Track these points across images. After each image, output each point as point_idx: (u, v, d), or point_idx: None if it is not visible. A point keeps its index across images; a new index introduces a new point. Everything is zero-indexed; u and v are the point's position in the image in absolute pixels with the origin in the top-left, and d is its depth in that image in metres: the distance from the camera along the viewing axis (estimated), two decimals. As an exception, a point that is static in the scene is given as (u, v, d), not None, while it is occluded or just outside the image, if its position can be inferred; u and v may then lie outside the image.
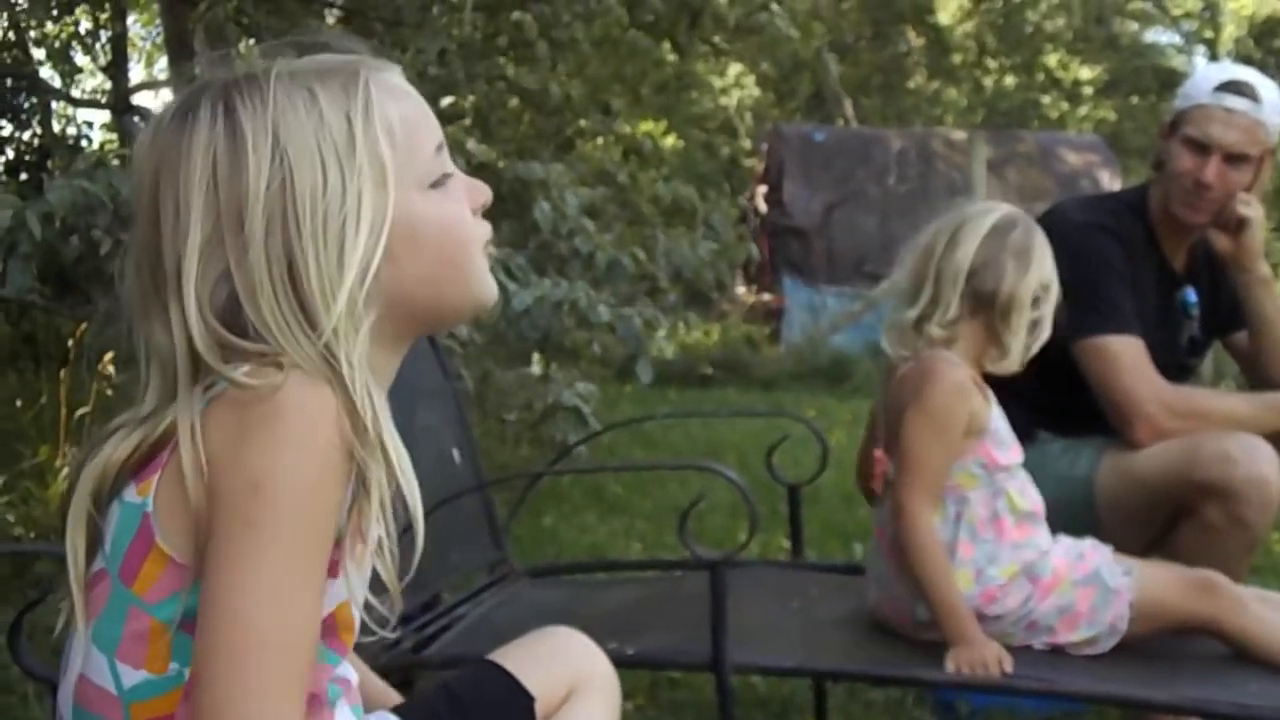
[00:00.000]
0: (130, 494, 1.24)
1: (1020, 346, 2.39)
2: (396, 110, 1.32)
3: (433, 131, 1.37)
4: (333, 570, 1.23)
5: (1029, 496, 2.42)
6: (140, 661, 1.21)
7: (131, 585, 1.21)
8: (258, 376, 1.18)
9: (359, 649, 1.39)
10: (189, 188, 1.25)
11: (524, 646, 1.64)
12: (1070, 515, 2.71)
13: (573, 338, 4.91)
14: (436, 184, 1.35)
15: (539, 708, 1.57)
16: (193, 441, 1.18)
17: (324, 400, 1.20)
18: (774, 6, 6.56)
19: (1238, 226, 2.93)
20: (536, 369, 5.53)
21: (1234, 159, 2.88)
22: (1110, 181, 13.07)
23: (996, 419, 2.40)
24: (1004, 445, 2.40)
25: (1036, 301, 2.39)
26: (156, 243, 1.26)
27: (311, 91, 1.28)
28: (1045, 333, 2.42)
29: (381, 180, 1.29)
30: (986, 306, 2.38)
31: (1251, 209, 2.91)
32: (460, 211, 1.38)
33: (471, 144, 5.92)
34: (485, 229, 1.42)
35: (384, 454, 1.25)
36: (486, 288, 1.42)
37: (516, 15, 6.27)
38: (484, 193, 1.42)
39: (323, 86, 1.29)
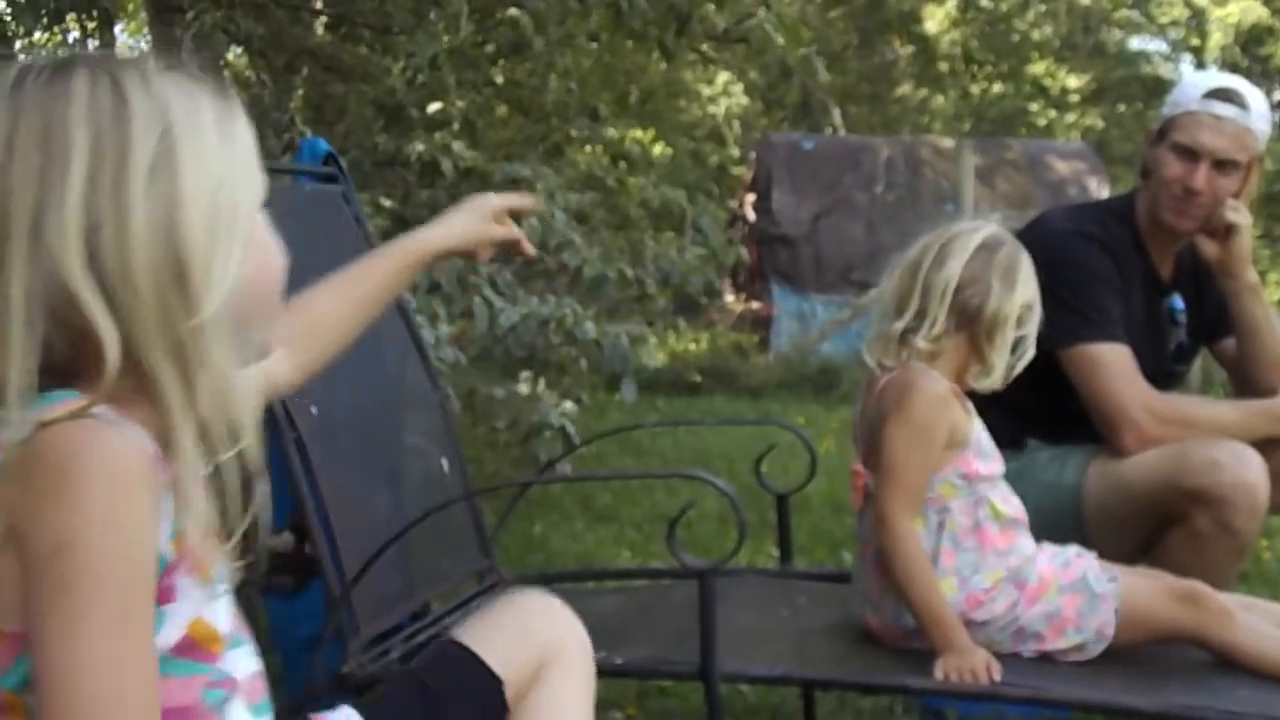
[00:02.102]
0: None
1: (1003, 364, 2.40)
2: (249, 139, 1.32)
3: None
4: (167, 597, 1.21)
5: (1012, 504, 2.42)
6: None
7: None
8: (58, 418, 1.15)
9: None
10: (69, 138, 1.19)
11: (491, 618, 1.62)
12: (1058, 522, 2.71)
13: (559, 354, 4.90)
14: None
15: (509, 690, 1.56)
16: None
17: (122, 443, 1.16)
18: (761, 13, 6.56)
19: (1226, 233, 2.93)
20: (524, 387, 5.52)
21: (1222, 165, 2.89)
22: (1098, 189, 13.09)
23: (978, 431, 2.41)
24: (986, 456, 2.40)
25: (1021, 320, 2.40)
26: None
27: (188, 87, 1.27)
28: (1029, 352, 2.43)
29: (250, 187, 1.30)
30: (972, 322, 2.38)
31: (1239, 215, 2.92)
32: (279, 248, 1.37)
33: (459, 147, 5.91)
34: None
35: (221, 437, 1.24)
36: (271, 339, 1.41)
37: (513, 13, 6.27)
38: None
39: (200, 88, 1.28)
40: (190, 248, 1.21)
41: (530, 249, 2.32)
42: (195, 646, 1.26)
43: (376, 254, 2.14)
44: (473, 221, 2.17)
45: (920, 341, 2.39)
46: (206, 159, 1.24)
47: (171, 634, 1.23)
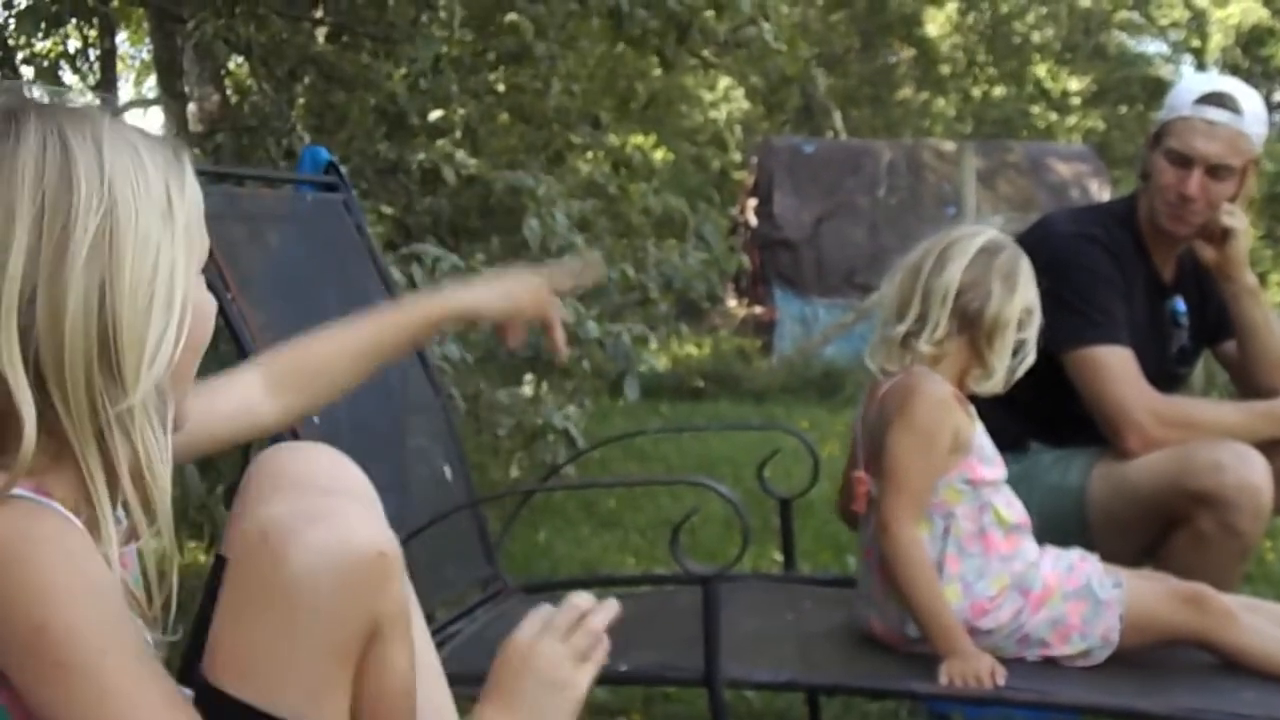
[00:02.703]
0: None
1: (1004, 367, 2.41)
2: (196, 195, 1.31)
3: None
4: None
5: (1015, 509, 2.42)
6: None
7: None
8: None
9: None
10: (14, 196, 1.18)
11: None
12: (1061, 525, 2.71)
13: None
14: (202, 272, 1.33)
15: None
16: None
17: (57, 518, 1.18)
18: (762, 20, 6.56)
19: (1222, 237, 2.94)
20: (528, 390, 5.53)
21: (1216, 170, 2.89)
22: (1099, 191, 13.08)
23: (980, 435, 2.41)
24: (989, 461, 2.41)
25: (1021, 324, 2.40)
26: None
27: (137, 149, 1.25)
28: (1029, 356, 2.43)
29: (190, 257, 1.28)
30: (973, 326, 2.39)
31: (1235, 219, 2.92)
32: (214, 309, 1.36)
33: (461, 155, 5.91)
34: None
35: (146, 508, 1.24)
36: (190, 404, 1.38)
37: (513, 18, 6.28)
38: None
39: (148, 149, 1.26)
40: (123, 331, 1.20)
41: (563, 347, 2.11)
42: None
43: (395, 306, 2.04)
44: (512, 293, 2.02)
45: (922, 346, 2.39)
46: (147, 238, 1.22)
47: None
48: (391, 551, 1.24)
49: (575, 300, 4.86)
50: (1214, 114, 2.88)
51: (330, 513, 1.23)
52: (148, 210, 1.23)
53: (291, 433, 2.33)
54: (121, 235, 1.20)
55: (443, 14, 5.45)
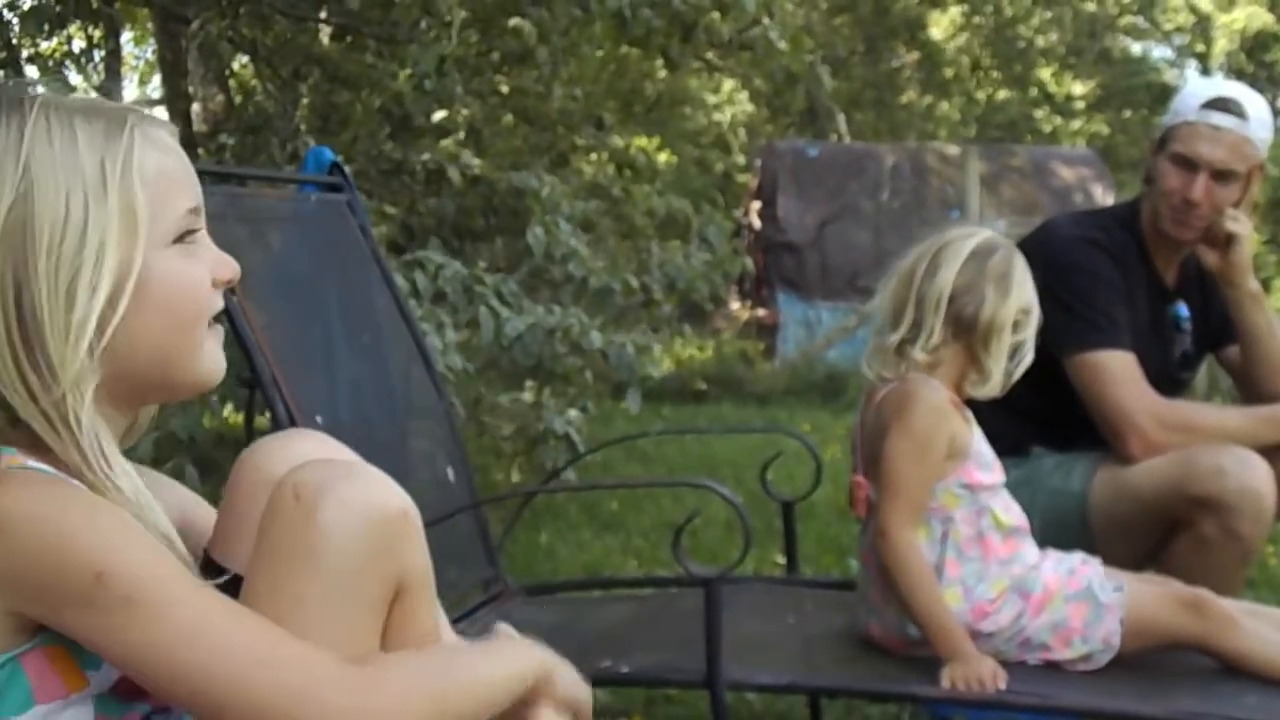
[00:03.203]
0: None
1: (1000, 371, 2.40)
2: (156, 162, 1.29)
3: (191, 192, 1.33)
4: None
5: (1013, 512, 2.42)
6: None
7: None
8: None
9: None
10: None
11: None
12: (1064, 529, 2.71)
13: (565, 364, 4.91)
14: (180, 240, 1.31)
15: None
16: None
17: (62, 487, 1.21)
18: (766, 21, 6.56)
19: (1226, 242, 2.93)
20: (528, 396, 5.53)
21: (1221, 176, 2.88)
22: (1103, 195, 13.07)
23: (978, 440, 2.41)
24: (986, 466, 2.40)
25: (1017, 326, 2.40)
26: None
27: (73, 128, 1.25)
28: (1027, 357, 2.42)
29: (132, 229, 1.26)
30: (967, 331, 2.38)
31: (1239, 224, 2.92)
32: (200, 276, 1.32)
33: (466, 156, 5.92)
34: (219, 301, 1.36)
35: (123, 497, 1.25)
36: (211, 365, 1.36)
37: (514, 22, 6.28)
38: (230, 268, 1.36)
39: (86, 125, 1.26)
40: (43, 314, 1.21)
41: None
42: (133, 689, 1.26)
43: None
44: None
45: (918, 353, 2.38)
46: (68, 219, 1.23)
47: (109, 674, 1.24)
48: (414, 511, 1.28)
49: (580, 312, 4.87)
50: (1219, 119, 2.88)
51: (356, 473, 1.28)
52: (73, 189, 1.23)
53: (290, 421, 2.34)
54: (38, 218, 1.21)
55: (446, 17, 5.45)
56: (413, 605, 1.30)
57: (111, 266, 1.24)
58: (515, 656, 1.40)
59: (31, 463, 1.23)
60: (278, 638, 1.20)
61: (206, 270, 1.33)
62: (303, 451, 1.39)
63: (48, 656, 1.20)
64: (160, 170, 1.29)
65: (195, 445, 4.10)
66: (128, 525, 1.21)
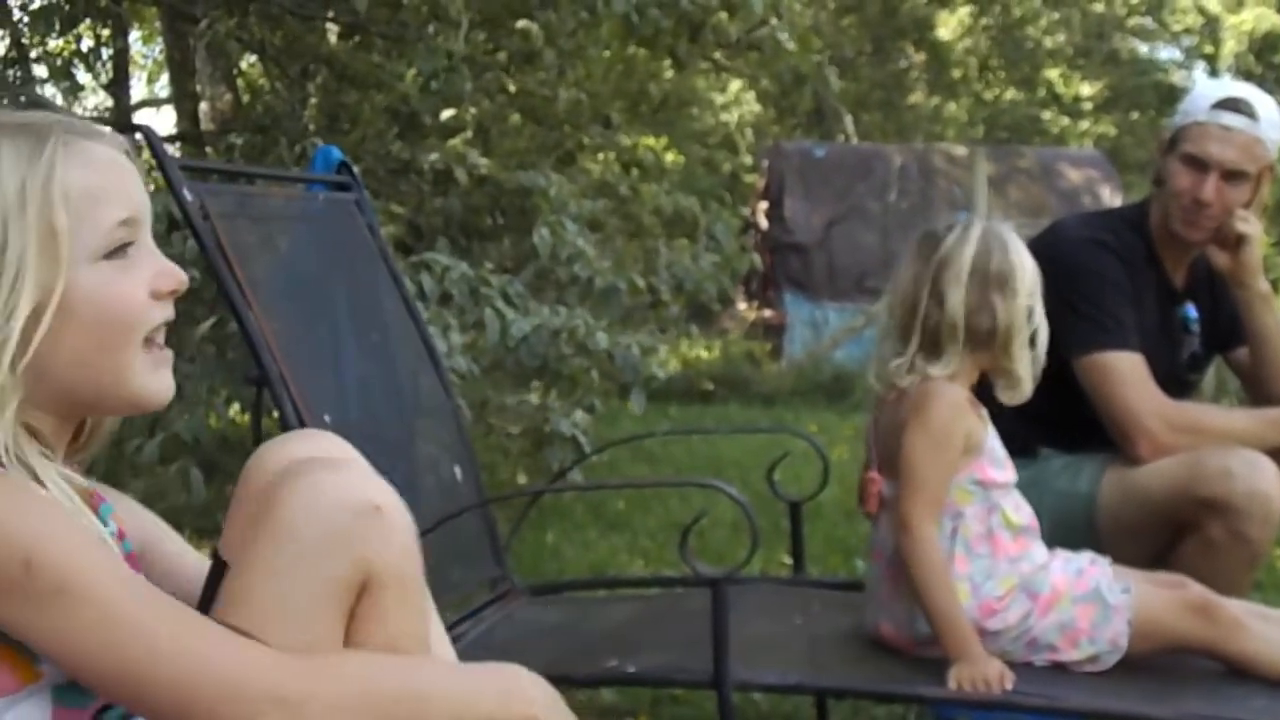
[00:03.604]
0: None
1: (1026, 369, 2.40)
2: (81, 178, 1.28)
3: (123, 205, 1.31)
4: None
5: (1024, 512, 2.43)
6: None
7: None
8: None
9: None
10: None
11: None
12: (1071, 531, 2.71)
13: (570, 365, 4.91)
14: (112, 256, 1.29)
15: None
16: None
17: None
18: (774, 22, 6.56)
19: (1236, 243, 2.93)
20: (534, 397, 5.53)
21: (1232, 176, 2.88)
22: (1111, 197, 13.06)
23: (992, 438, 2.42)
24: (999, 464, 2.41)
25: (1030, 314, 2.40)
26: None
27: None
28: (1042, 334, 2.42)
29: (53, 251, 1.25)
30: (987, 343, 2.38)
31: (1249, 225, 2.91)
32: (130, 291, 1.30)
33: (474, 155, 5.92)
34: (159, 314, 1.33)
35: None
36: (151, 386, 1.34)
37: (522, 24, 6.29)
38: (173, 278, 1.34)
39: (11, 147, 1.26)
40: None
41: None
42: None
43: None
44: None
45: (935, 372, 2.39)
46: None
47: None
48: (390, 509, 1.29)
49: (585, 311, 4.87)
50: (1230, 119, 2.88)
51: (340, 465, 1.30)
52: None
53: (298, 419, 2.34)
54: None
55: (455, 18, 5.45)
56: (384, 605, 1.29)
57: (30, 289, 1.23)
58: (492, 688, 1.35)
59: None
60: (212, 629, 1.21)
61: (142, 283, 1.31)
62: (309, 451, 1.39)
63: None
64: (85, 187, 1.28)
65: (200, 448, 4.10)
66: (57, 514, 1.21)
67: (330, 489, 1.26)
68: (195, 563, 1.53)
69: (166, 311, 1.34)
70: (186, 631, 1.20)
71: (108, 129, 1.35)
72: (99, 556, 1.21)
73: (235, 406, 4.54)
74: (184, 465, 4.10)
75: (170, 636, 1.18)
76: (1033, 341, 2.41)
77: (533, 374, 5.14)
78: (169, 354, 1.36)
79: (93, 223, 1.28)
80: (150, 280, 1.32)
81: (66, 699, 1.23)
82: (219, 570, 1.32)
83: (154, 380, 1.34)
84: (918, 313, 2.41)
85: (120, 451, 4.03)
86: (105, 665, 1.17)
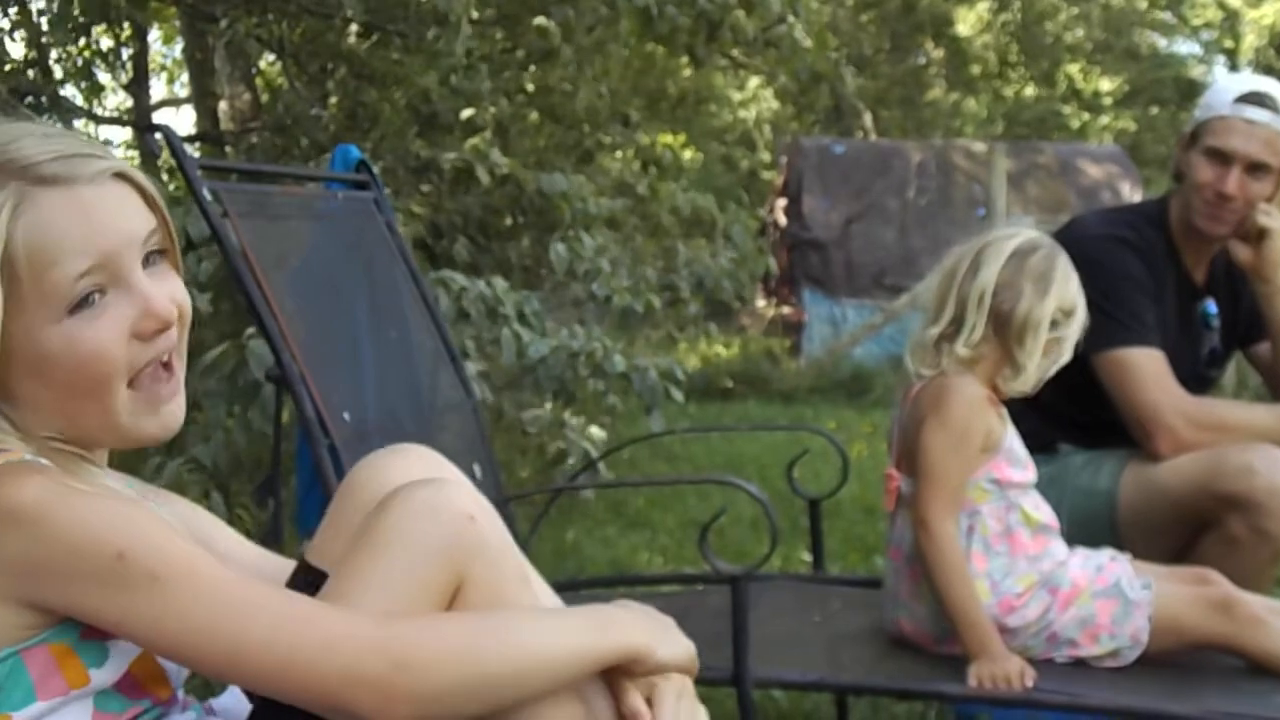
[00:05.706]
0: None
1: (1034, 367, 2.40)
2: (31, 236, 1.23)
3: (84, 255, 1.25)
4: (104, 633, 1.24)
5: (1044, 511, 2.43)
6: None
7: None
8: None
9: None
10: None
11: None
12: (1092, 527, 2.70)
13: (587, 387, 4.92)
14: (77, 310, 1.25)
15: None
16: None
17: (59, 475, 1.24)
18: (791, 19, 6.56)
19: (1258, 237, 2.92)
20: (549, 410, 5.54)
21: (1255, 169, 2.87)
22: (1130, 192, 13.01)
23: (1011, 438, 2.42)
24: (1018, 464, 2.41)
25: (1055, 324, 2.40)
26: None
27: None
28: (1064, 355, 2.42)
29: (13, 299, 1.23)
30: (1005, 326, 2.39)
31: (1273, 219, 2.90)
32: (100, 340, 1.26)
33: (494, 155, 5.93)
34: (144, 354, 1.30)
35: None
36: (137, 424, 1.32)
37: (539, 21, 6.29)
38: (157, 318, 1.29)
39: None
40: None
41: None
42: (137, 687, 1.28)
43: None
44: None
45: (959, 349, 2.39)
46: None
47: (112, 672, 1.25)
48: (483, 518, 1.39)
49: (601, 332, 4.86)
50: (1253, 113, 2.87)
51: (440, 483, 1.39)
52: None
53: (318, 417, 2.34)
54: None
55: (455, 19, 5.45)
56: (475, 606, 1.35)
57: None
58: (593, 628, 1.39)
59: (29, 456, 1.25)
60: (301, 598, 1.25)
61: (116, 329, 1.27)
62: (406, 468, 1.47)
63: (52, 653, 1.22)
64: (39, 246, 1.24)
65: (219, 471, 4.10)
66: (136, 507, 1.24)
67: (430, 506, 1.34)
68: (257, 555, 1.57)
69: (155, 349, 1.30)
70: (285, 600, 1.24)
71: (96, 156, 1.29)
72: (182, 541, 1.23)
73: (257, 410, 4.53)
74: (204, 487, 4.10)
75: (271, 609, 1.21)
76: (1048, 352, 2.41)
77: (549, 395, 5.15)
78: (170, 386, 1.33)
79: (50, 284, 1.24)
80: (132, 322, 1.28)
81: (108, 704, 1.25)
82: (310, 578, 1.36)
83: (146, 420, 1.32)
84: (953, 284, 2.42)
85: (139, 471, 4.03)
86: (205, 640, 1.19)
